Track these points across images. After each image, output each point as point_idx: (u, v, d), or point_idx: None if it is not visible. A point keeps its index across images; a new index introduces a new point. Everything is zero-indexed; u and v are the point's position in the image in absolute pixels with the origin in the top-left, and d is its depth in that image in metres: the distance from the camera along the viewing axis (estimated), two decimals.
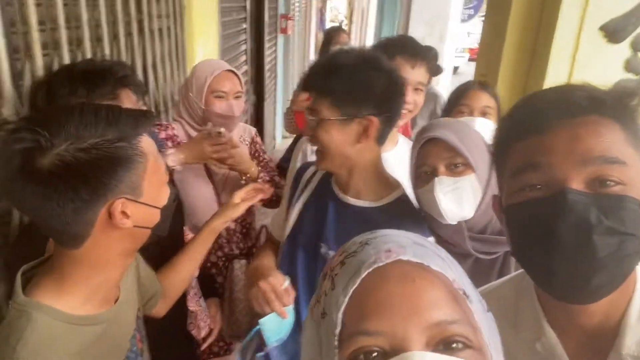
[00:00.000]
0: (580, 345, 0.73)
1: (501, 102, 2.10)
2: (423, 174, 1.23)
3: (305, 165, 1.44)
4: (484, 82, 2.03)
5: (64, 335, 0.83)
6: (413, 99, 1.59)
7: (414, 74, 1.58)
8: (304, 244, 1.31)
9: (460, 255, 1.19)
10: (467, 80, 2.12)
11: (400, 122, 1.53)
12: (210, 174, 1.84)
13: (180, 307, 1.58)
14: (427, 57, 1.62)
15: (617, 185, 0.65)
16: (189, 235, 1.65)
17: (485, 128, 1.85)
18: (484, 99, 1.89)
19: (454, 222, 1.20)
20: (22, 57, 1.35)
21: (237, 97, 1.82)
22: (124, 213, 0.84)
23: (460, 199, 1.18)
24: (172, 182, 1.56)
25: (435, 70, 2.56)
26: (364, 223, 1.17)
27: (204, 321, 1.68)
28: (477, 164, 1.18)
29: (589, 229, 0.64)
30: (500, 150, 0.78)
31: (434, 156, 1.21)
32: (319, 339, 0.56)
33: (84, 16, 1.59)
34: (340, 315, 0.51)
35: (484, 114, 1.88)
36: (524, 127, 0.73)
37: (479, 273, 1.20)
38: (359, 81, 1.15)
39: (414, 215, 1.27)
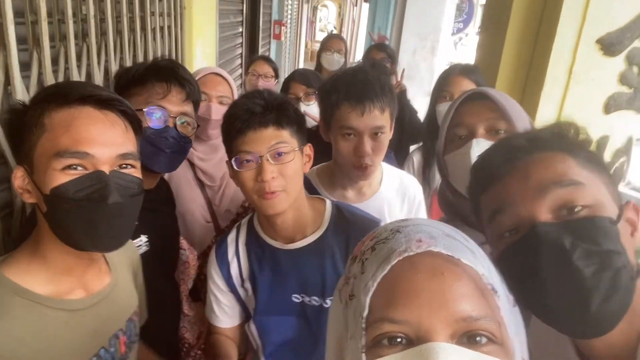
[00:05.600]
0: None
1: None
2: (457, 137, 1.10)
3: (222, 244, 1.27)
4: (465, 66, 2.05)
5: (18, 310, 0.82)
6: (370, 148, 1.32)
7: (364, 121, 1.30)
8: (279, 305, 1.21)
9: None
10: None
11: (367, 174, 1.37)
12: (200, 182, 1.79)
13: (176, 310, 1.57)
14: (381, 96, 1.32)
15: (584, 209, 0.68)
16: (183, 242, 1.64)
17: None
18: (463, 84, 1.92)
19: None
20: (30, 48, 1.34)
21: (221, 102, 1.75)
22: (20, 183, 0.85)
23: None
24: (165, 191, 1.55)
25: (398, 108, 2.41)
26: (317, 258, 1.18)
27: (195, 324, 1.67)
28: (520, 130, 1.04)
29: (567, 255, 0.65)
30: (474, 206, 0.83)
31: (474, 115, 1.07)
32: (345, 319, 0.57)
33: (91, 10, 1.58)
34: (368, 299, 0.52)
35: None
36: (482, 181, 0.79)
37: None
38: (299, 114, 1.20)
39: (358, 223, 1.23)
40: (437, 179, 2.01)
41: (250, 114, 1.10)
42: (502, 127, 1.06)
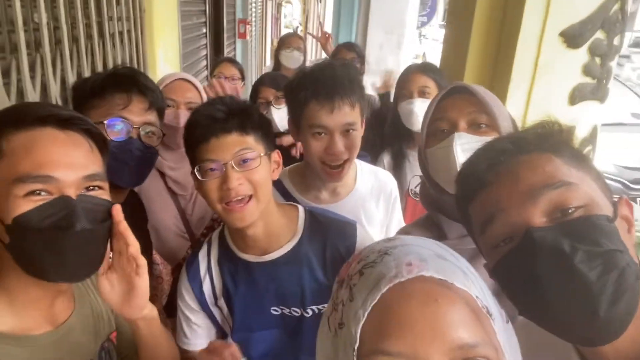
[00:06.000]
0: None
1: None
2: (439, 131, 1.08)
3: (193, 261, 1.22)
4: (422, 64, 2.12)
5: None
6: (343, 146, 1.29)
7: (334, 118, 1.26)
8: (258, 320, 1.17)
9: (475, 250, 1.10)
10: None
11: (341, 176, 1.35)
12: (172, 191, 1.73)
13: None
14: (350, 91, 1.27)
15: (578, 209, 0.65)
16: (156, 257, 1.58)
17: (424, 108, 1.92)
18: (420, 80, 1.97)
19: None
20: (8, 56, 1.26)
21: (190, 108, 1.68)
22: None
23: None
24: (136, 203, 1.48)
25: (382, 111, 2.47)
26: (294, 268, 1.15)
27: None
28: (502, 127, 1.03)
29: (568, 259, 0.62)
30: (464, 217, 0.80)
31: (456, 109, 1.06)
32: (335, 348, 0.54)
33: (44, 17, 1.51)
34: (358, 329, 0.50)
35: (422, 93, 1.96)
36: (469, 190, 0.76)
37: None
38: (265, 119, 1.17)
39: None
40: (408, 180, 2.02)
41: (212, 120, 1.06)
42: (484, 120, 1.04)
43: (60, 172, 0.77)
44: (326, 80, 1.28)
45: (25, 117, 0.79)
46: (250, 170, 1.06)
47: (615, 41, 1.96)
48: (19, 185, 0.75)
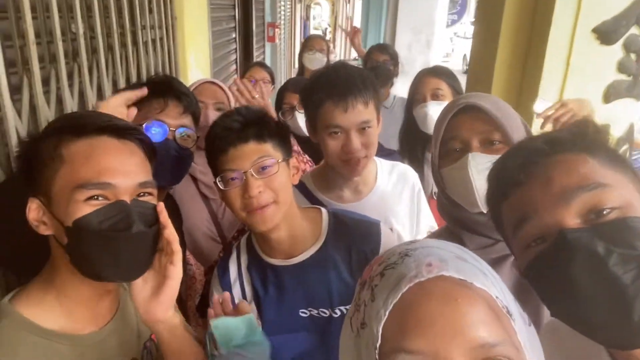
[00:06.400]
0: None
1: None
2: (452, 151, 1.08)
3: (224, 267, 1.24)
4: (433, 67, 2.14)
5: (29, 349, 0.81)
6: (359, 144, 1.31)
7: (349, 117, 1.29)
8: (287, 323, 1.17)
9: (496, 260, 1.06)
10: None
11: (359, 169, 1.36)
12: (204, 195, 1.78)
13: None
14: (363, 90, 1.30)
15: (613, 211, 0.64)
16: (190, 258, 1.62)
17: (440, 110, 1.93)
18: (432, 83, 2.00)
19: (485, 210, 1.03)
20: (20, 71, 1.33)
21: (218, 108, 1.75)
22: (35, 215, 0.84)
23: None
24: (172, 206, 1.53)
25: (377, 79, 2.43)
26: (320, 270, 1.16)
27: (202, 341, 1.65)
28: (516, 140, 1.01)
29: (602, 262, 0.61)
30: (495, 216, 0.80)
31: (467, 129, 1.05)
32: (357, 348, 0.55)
33: (80, 28, 1.57)
34: (380, 328, 0.51)
35: (435, 96, 1.98)
36: (501, 189, 0.75)
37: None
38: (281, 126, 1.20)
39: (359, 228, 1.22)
40: (430, 182, 2.01)
41: (229, 131, 1.10)
42: (497, 137, 1.04)
43: (117, 180, 0.83)
44: (339, 81, 1.31)
45: (85, 126, 0.85)
46: (270, 177, 1.09)
47: None
48: (80, 191, 0.80)
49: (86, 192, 0.81)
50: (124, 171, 0.84)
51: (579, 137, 0.72)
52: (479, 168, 1.01)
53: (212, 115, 1.71)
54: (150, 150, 0.93)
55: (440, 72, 2.07)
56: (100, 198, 0.82)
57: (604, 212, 0.64)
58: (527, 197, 0.70)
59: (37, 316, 0.84)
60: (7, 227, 0.90)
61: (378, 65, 2.89)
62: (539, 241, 0.69)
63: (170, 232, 0.88)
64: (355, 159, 1.33)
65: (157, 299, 0.90)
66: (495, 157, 0.97)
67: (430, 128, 1.96)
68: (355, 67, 1.41)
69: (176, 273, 0.89)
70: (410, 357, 0.48)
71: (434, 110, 1.95)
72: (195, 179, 1.73)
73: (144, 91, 1.25)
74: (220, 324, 1.00)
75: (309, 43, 3.30)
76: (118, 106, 1.17)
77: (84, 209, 0.80)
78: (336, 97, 1.29)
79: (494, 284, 0.54)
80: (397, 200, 1.50)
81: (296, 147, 1.87)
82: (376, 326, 0.51)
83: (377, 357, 0.50)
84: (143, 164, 0.89)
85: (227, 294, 1.12)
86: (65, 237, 0.82)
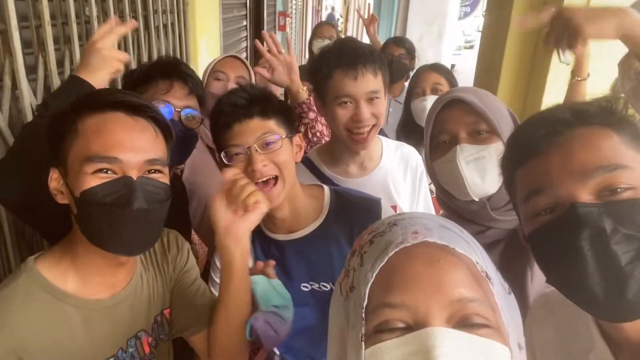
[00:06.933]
0: (633, 357, 0.72)
1: (502, 95, 2.14)
2: (441, 144, 1.11)
3: None
4: (433, 64, 2.20)
5: (40, 304, 0.86)
6: (369, 113, 1.34)
7: (359, 86, 1.31)
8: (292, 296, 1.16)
9: (486, 245, 1.11)
10: (466, 77, 2.21)
11: (367, 141, 1.39)
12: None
13: None
14: (371, 60, 1.32)
15: (627, 190, 0.65)
16: (194, 237, 1.65)
17: None
18: (432, 77, 2.04)
19: (477, 199, 1.08)
20: (36, 51, 1.36)
21: (238, 82, 1.82)
22: (55, 185, 0.88)
23: (484, 170, 1.06)
24: (179, 188, 1.56)
25: (393, 73, 2.49)
26: (322, 245, 1.18)
27: None
28: (502, 130, 1.06)
29: (606, 239, 0.63)
30: (508, 179, 0.79)
31: (454, 121, 1.08)
32: (345, 311, 0.58)
33: (94, 11, 1.60)
34: (367, 290, 0.54)
35: (435, 90, 2.02)
36: (519, 155, 0.75)
37: (508, 259, 1.11)
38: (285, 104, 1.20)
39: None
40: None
41: (234, 107, 1.11)
42: (483, 128, 1.07)
43: (125, 155, 0.85)
44: (348, 51, 1.34)
45: (99, 101, 0.88)
46: (273, 153, 1.11)
47: None
48: (89, 163, 0.83)
49: (94, 165, 0.83)
50: (132, 147, 0.85)
51: (607, 112, 0.70)
52: (467, 159, 1.05)
53: (232, 87, 1.76)
54: (166, 129, 0.94)
55: (440, 68, 2.11)
56: (108, 172, 0.84)
57: (618, 190, 0.65)
58: (544, 169, 0.70)
59: (53, 277, 0.89)
60: (39, 195, 0.93)
61: (393, 60, 2.88)
62: (548, 211, 0.69)
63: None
64: (363, 132, 1.36)
65: (242, 218, 0.99)
66: (483, 147, 1.04)
67: None
68: (362, 42, 1.44)
69: (259, 202, 0.99)
70: (392, 311, 0.51)
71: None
72: (212, 149, 1.76)
73: (134, 23, 1.28)
74: (260, 281, 1.04)
75: (318, 30, 3.31)
76: (112, 45, 1.15)
77: (92, 181, 0.83)
78: (345, 65, 1.31)
79: (475, 251, 0.57)
80: (400, 179, 1.53)
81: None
82: (364, 288, 0.54)
83: (363, 315, 0.53)
84: (154, 141, 0.90)
85: (271, 261, 1.14)
86: (75, 207, 0.86)
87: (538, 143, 0.71)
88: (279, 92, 1.92)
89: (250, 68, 1.89)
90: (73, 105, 0.88)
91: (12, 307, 0.84)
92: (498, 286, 0.56)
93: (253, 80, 1.88)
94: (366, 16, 3.88)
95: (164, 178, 0.92)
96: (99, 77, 1.12)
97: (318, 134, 1.73)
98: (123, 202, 0.83)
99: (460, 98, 1.07)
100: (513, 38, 2.12)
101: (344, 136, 1.38)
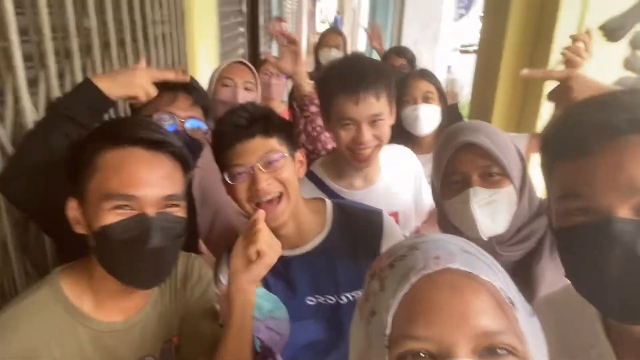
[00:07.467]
0: (635, 356, 0.72)
1: (501, 98, 2.15)
2: (453, 183, 1.13)
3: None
4: (421, 70, 2.20)
5: (51, 315, 0.89)
6: (371, 135, 1.35)
7: (360, 110, 1.32)
8: (294, 312, 1.15)
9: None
10: (460, 77, 2.21)
11: (368, 161, 1.40)
12: None
13: None
14: (374, 83, 1.32)
15: None
16: (202, 247, 1.65)
17: (431, 113, 2.02)
18: (423, 86, 2.05)
19: (485, 238, 1.10)
20: (37, 66, 1.36)
21: (247, 88, 1.84)
22: (73, 214, 0.90)
23: (495, 213, 1.08)
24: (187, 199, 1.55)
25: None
26: (326, 258, 1.19)
27: None
28: (513, 173, 1.08)
29: (636, 260, 0.62)
30: (545, 167, 0.77)
31: (467, 164, 1.10)
32: (367, 335, 0.58)
33: (93, 23, 1.60)
34: (390, 317, 0.54)
35: (426, 99, 2.03)
36: (564, 148, 0.70)
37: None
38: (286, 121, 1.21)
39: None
40: None
41: (236, 127, 1.12)
42: (495, 170, 1.09)
43: (142, 191, 0.87)
44: (352, 73, 1.34)
45: (120, 136, 0.89)
46: (277, 171, 1.12)
47: None
48: (108, 200, 0.85)
49: (113, 202, 0.85)
50: (150, 184, 0.87)
51: None
52: (480, 203, 1.07)
53: (242, 94, 1.81)
54: (185, 161, 0.96)
55: (429, 76, 2.12)
56: (126, 208, 0.86)
57: None
58: (587, 174, 0.66)
59: (73, 295, 0.92)
60: (48, 194, 0.97)
61: (394, 70, 2.87)
62: (582, 212, 0.67)
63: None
64: (364, 153, 1.37)
65: (247, 271, 0.98)
66: (495, 191, 1.07)
67: (418, 130, 2.03)
68: (370, 60, 1.44)
69: (263, 254, 0.97)
70: (417, 342, 0.51)
71: (424, 113, 2.02)
72: None
73: (184, 77, 1.30)
74: (259, 292, 1.03)
75: (323, 40, 3.27)
76: (149, 78, 1.21)
77: (110, 218, 0.85)
78: (348, 89, 1.32)
79: (498, 276, 0.56)
80: (398, 181, 1.55)
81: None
82: (385, 315, 0.54)
83: (386, 343, 0.53)
84: (171, 177, 0.92)
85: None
86: (93, 240, 0.88)
87: (588, 143, 0.66)
88: (280, 109, 1.94)
89: (256, 73, 1.90)
90: (92, 137, 0.90)
91: (31, 317, 0.87)
92: (522, 311, 0.56)
93: (259, 85, 1.90)
94: (361, 16, 3.88)
95: (181, 212, 0.94)
96: (116, 93, 1.14)
97: (318, 129, 1.73)
98: (140, 240, 0.86)
99: (472, 142, 1.08)
100: (510, 42, 2.14)
101: (347, 155, 1.39)
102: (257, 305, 1.03)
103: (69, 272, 0.95)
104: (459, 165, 1.11)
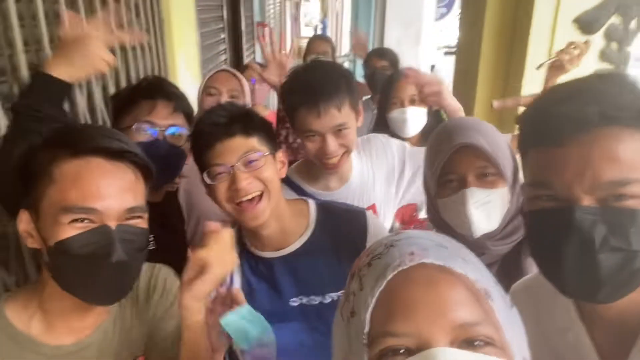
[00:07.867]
0: (608, 336, 0.75)
1: (483, 95, 2.17)
2: (448, 182, 1.13)
3: None
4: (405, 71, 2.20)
5: (2, 351, 0.84)
6: (336, 145, 1.34)
7: (323, 122, 1.30)
8: (278, 314, 1.17)
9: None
10: (444, 77, 2.21)
11: (340, 163, 1.40)
12: None
13: None
14: (335, 94, 1.30)
15: (631, 199, 0.65)
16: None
17: (417, 116, 2.04)
18: (409, 89, 2.03)
19: (478, 236, 1.12)
20: (10, 79, 1.34)
21: (232, 96, 1.85)
22: (25, 227, 0.84)
23: (490, 212, 1.10)
24: (174, 205, 1.55)
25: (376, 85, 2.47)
26: (310, 259, 1.19)
27: None
28: (507, 174, 1.10)
29: (593, 249, 0.65)
30: (522, 151, 0.79)
31: (463, 164, 1.10)
32: (348, 336, 0.58)
33: None
34: (368, 315, 0.54)
35: (412, 102, 2.04)
36: (538, 136, 0.73)
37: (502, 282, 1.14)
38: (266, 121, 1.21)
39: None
40: None
41: (215, 126, 1.11)
42: (491, 171, 1.10)
43: (103, 204, 0.82)
44: (312, 84, 1.32)
45: (78, 146, 0.84)
46: (257, 170, 1.11)
47: (632, 25, 1.93)
48: (65, 214, 0.80)
49: (71, 216, 0.81)
50: (111, 195, 0.83)
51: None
52: (476, 204, 1.09)
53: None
54: (146, 169, 0.91)
55: None
56: (85, 221, 0.81)
57: (621, 197, 0.65)
58: (557, 165, 0.69)
59: (19, 321, 0.87)
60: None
61: (375, 72, 2.87)
62: (550, 198, 0.70)
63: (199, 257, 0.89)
64: (331, 162, 1.37)
65: (189, 286, 0.88)
66: (490, 191, 1.09)
67: (406, 132, 2.05)
68: (331, 67, 1.42)
69: (208, 268, 0.88)
70: (395, 339, 0.52)
71: (412, 117, 2.04)
72: None
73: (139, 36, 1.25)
74: (230, 322, 0.95)
75: (310, 47, 3.24)
76: (104, 46, 1.12)
77: (67, 232, 0.80)
78: (309, 102, 1.30)
79: (472, 268, 0.57)
80: (371, 173, 1.55)
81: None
82: (364, 314, 0.54)
83: (365, 342, 0.54)
84: (133, 188, 0.87)
85: (235, 288, 1.06)
86: (48, 255, 0.83)
87: (561, 135, 0.68)
88: (263, 114, 1.93)
89: (242, 80, 1.90)
90: (47, 145, 0.84)
91: None
92: (499, 301, 0.57)
93: (247, 91, 1.90)
94: (344, 19, 3.91)
95: (143, 223, 0.89)
96: (75, 75, 1.06)
97: (299, 140, 1.73)
98: (101, 254, 0.81)
99: (470, 144, 1.08)
100: (488, 39, 2.16)
101: (317, 163, 1.40)
102: (243, 331, 0.98)
103: (14, 297, 0.90)
104: (455, 166, 1.11)
